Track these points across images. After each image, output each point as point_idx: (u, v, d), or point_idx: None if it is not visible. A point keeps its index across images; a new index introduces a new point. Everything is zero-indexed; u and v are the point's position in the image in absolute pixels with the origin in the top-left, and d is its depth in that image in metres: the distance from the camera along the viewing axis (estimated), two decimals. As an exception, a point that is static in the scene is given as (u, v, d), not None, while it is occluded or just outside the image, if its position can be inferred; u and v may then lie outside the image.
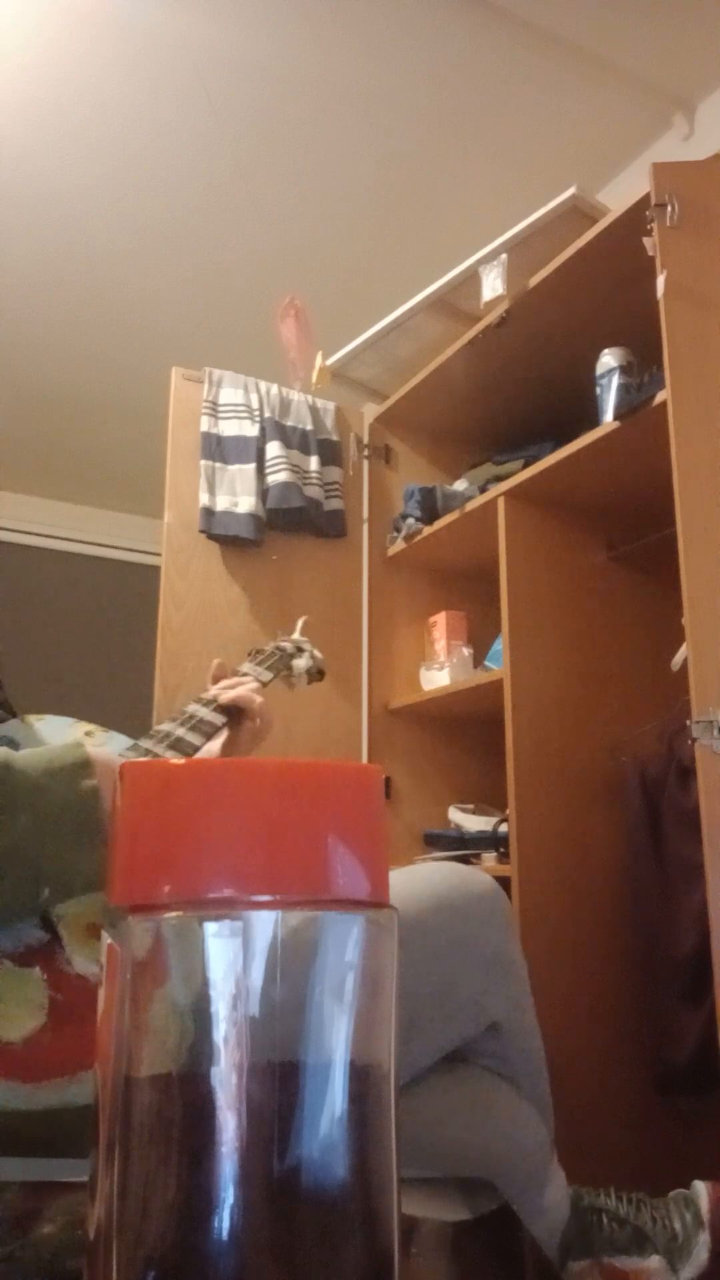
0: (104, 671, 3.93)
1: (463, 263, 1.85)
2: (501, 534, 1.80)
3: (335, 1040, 0.36)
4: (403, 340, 2.07)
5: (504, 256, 1.78)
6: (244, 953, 0.35)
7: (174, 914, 0.35)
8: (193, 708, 1.06)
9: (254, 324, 2.57)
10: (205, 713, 1.05)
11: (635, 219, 1.50)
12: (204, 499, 2.01)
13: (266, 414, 2.10)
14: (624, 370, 1.62)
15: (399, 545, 2.15)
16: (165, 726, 1.00)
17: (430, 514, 2.06)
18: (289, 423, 2.13)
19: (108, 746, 0.91)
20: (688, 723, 1.25)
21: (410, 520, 2.10)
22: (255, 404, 2.11)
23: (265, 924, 0.35)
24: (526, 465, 1.85)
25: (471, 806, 2.07)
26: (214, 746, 1.08)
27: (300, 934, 0.36)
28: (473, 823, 2.01)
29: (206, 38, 1.95)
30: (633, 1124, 1.59)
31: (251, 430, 2.08)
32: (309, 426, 2.15)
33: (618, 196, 1.72)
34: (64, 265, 2.62)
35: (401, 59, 2.01)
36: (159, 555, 2.03)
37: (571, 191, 1.68)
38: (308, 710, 2.06)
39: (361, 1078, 0.37)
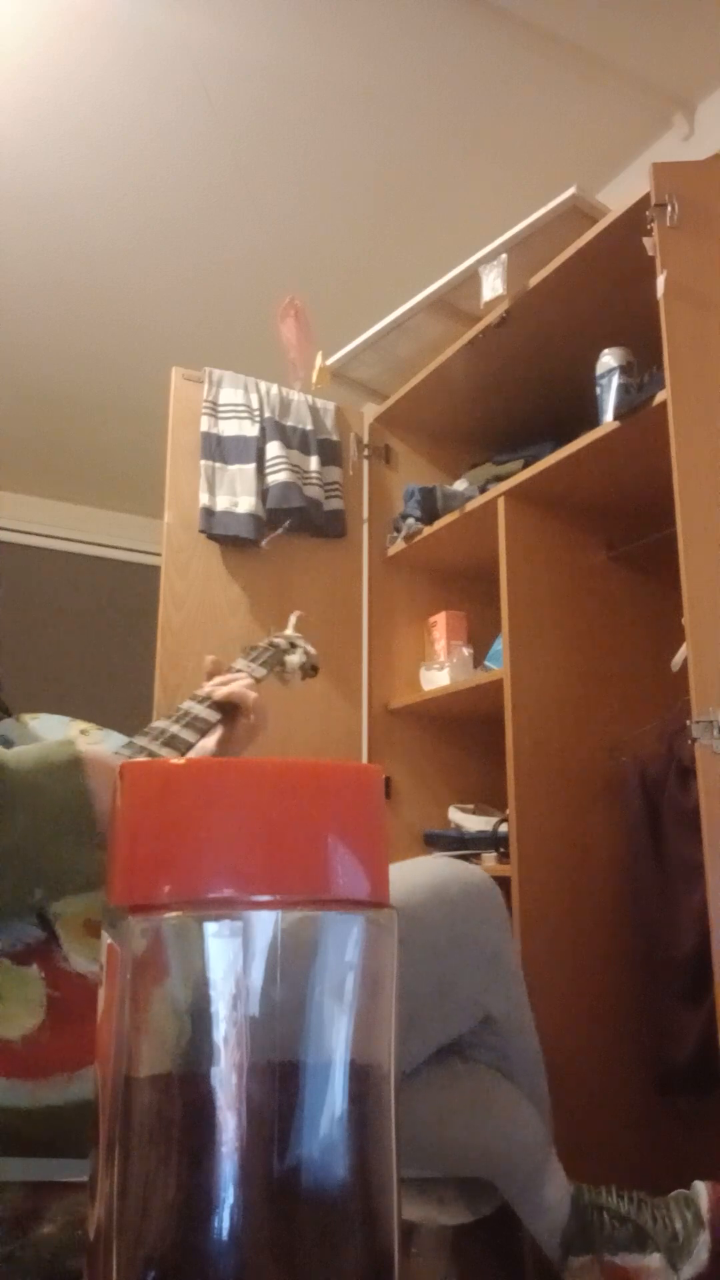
0: (104, 671, 3.93)
1: (463, 263, 1.85)
2: (501, 534, 1.80)
3: (335, 1040, 0.36)
4: (403, 340, 2.07)
5: (504, 256, 1.78)
6: (244, 953, 0.35)
7: (174, 914, 0.35)
8: (187, 705, 1.06)
9: (254, 324, 2.57)
10: (200, 709, 1.05)
11: (635, 219, 1.50)
12: (204, 499, 2.01)
13: (266, 414, 2.10)
14: (624, 370, 1.62)
15: (399, 545, 2.15)
16: (160, 724, 1.00)
17: (430, 514, 2.06)
18: (289, 423, 2.13)
19: (103, 745, 0.91)
20: (688, 723, 1.25)
21: (410, 520, 2.10)
22: (255, 404, 2.10)
23: (265, 924, 0.35)
24: (526, 465, 1.85)
25: (471, 806, 2.07)
26: (209, 743, 1.08)
27: (300, 934, 0.36)
28: (473, 823, 2.01)
29: (206, 38, 1.95)
30: (633, 1124, 1.59)
31: (251, 430, 2.08)
32: (309, 426, 2.15)
33: (618, 196, 1.72)
34: (64, 265, 2.62)
35: (401, 59, 2.01)
36: (159, 555, 2.03)
37: (571, 191, 1.68)
38: (308, 710, 2.06)
39: (361, 1078, 0.36)
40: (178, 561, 2.02)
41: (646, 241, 1.42)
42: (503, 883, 1.63)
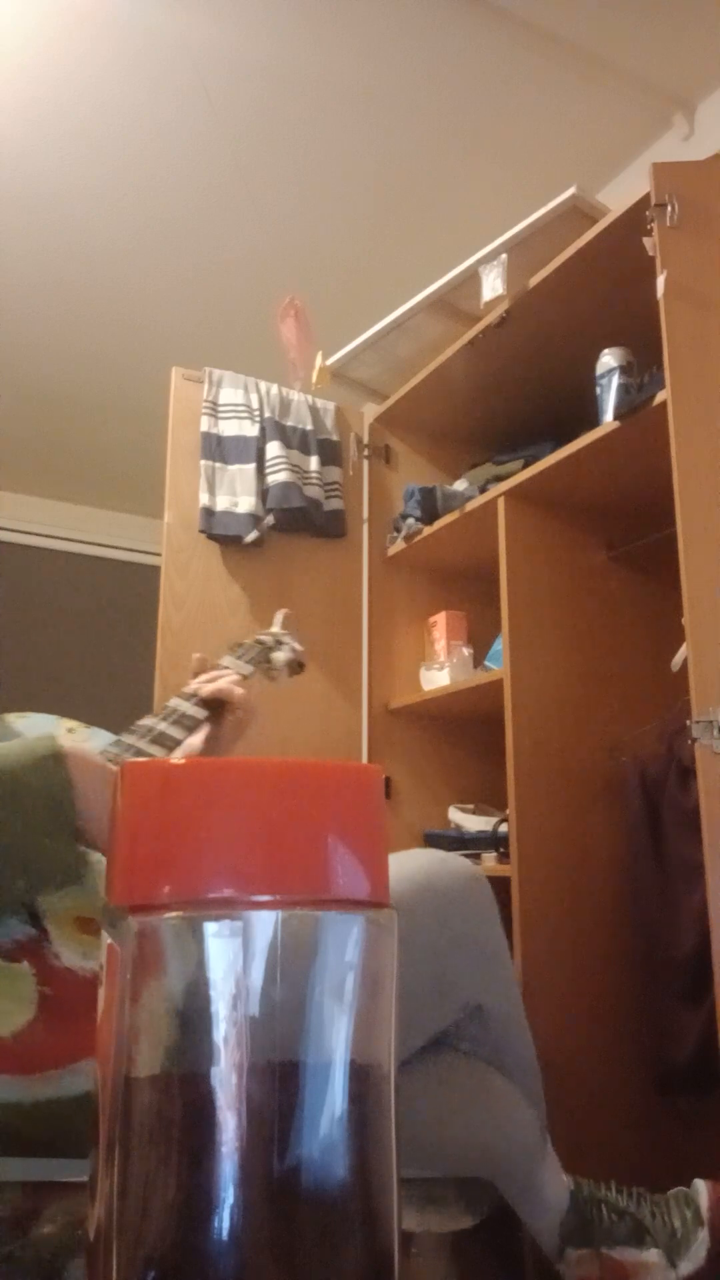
0: (104, 671, 3.93)
1: (463, 263, 1.85)
2: (501, 534, 1.80)
3: (335, 1040, 0.36)
4: (403, 340, 2.07)
5: (504, 256, 1.78)
6: (244, 953, 0.35)
7: (174, 914, 0.35)
8: (174, 702, 1.06)
9: (254, 324, 2.57)
10: (187, 707, 1.05)
11: (635, 219, 1.50)
12: (204, 499, 2.01)
13: (266, 414, 2.10)
14: (624, 370, 1.62)
15: (399, 545, 2.15)
16: (147, 721, 1.00)
17: (430, 514, 2.06)
18: (289, 423, 2.13)
19: (90, 742, 0.91)
20: (688, 723, 1.25)
21: (410, 520, 2.10)
22: (255, 404, 2.10)
23: (265, 924, 0.35)
24: (526, 465, 1.85)
25: (471, 806, 2.07)
26: (196, 740, 1.08)
27: (300, 934, 0.36)
28: (473, 823, 2.01)
29: (206, 38, 1.95)
30: (633, 1124, 1.59)
31: (251, 430, 2.08)
32: (309, 426, 2.15)
33: (618, 196, 1.72)
34: (64, 265, 2.62)
35: (401, 59, 2.01)
36: (159, 555, 2.03)
37: (571, 191, 1.68)
38: (308, 710, 2.06)
39: (361, 1078, 0.37)
40: (178, 561, 2.02)
41: (646, 241, 1.42)
42: (503, 883, 1.63)
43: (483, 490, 1.97)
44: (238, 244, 2.54)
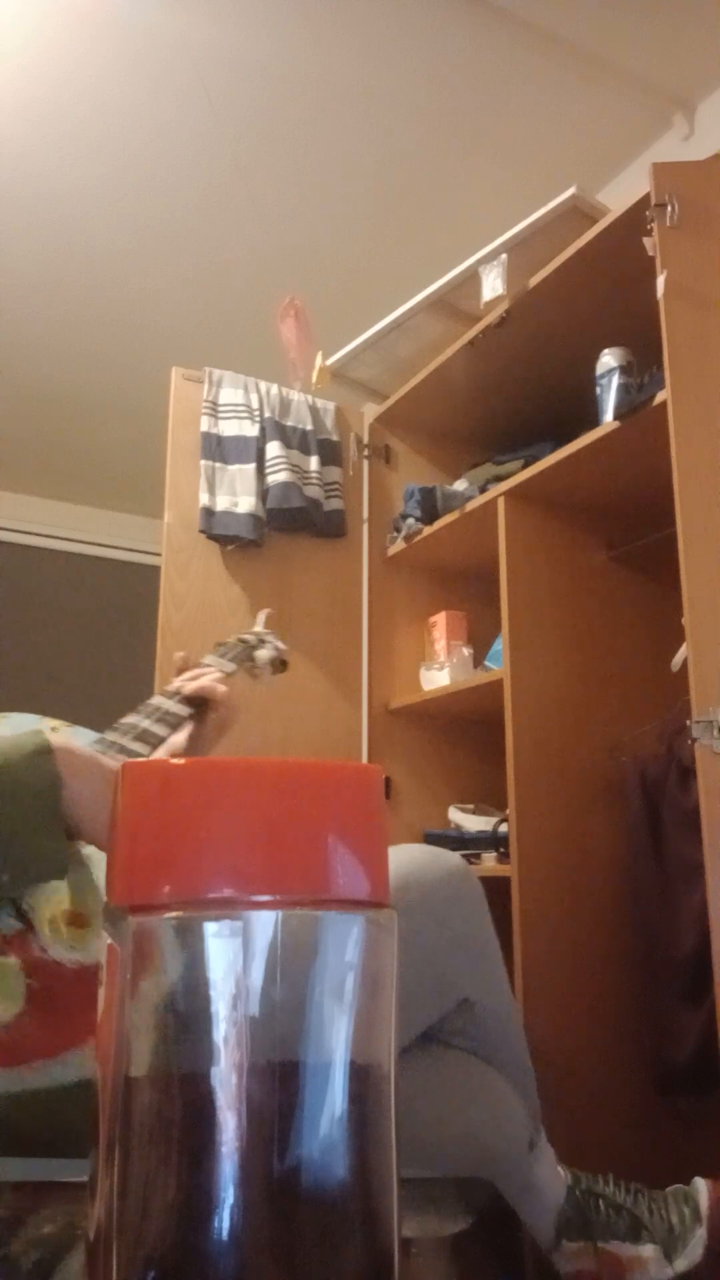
0: (104, 671, 3.93)
1: (463, 263, 1.85)
2: (501, 534, 1.80)
3: (335, 1040, 0.36)
4: (403, 340, 2.07)
5: (504, 256, 1.78)
6: (244, 953, 0.35)
7: (174, 914, 0.35)
8: (157, 700, 1.07)
9: (254, 324, 2.57)
10: (170, 705, 1.06)
11: (635, 219, 1.50)
12: (204, 499, 2.01)
13: (266, 414, 2.10)
14: (624, 370, 1.62)
15: (399, 545, 2.15)
16: (130, 719, 1.01)
17: (430, 514, 2.06)
18: (289, 423, 2.13)
19: (73, 741, 0.91)
20: (688, 723, 1.25)
21: (410, 520, 2.10)
22: (255, 404, 2.10)
23: (265, 924, 0.35)
24: (526, 465, 1.85)
25: (471, 806, 2.07)
26: (179, 738, 1.08)
27: (300, 934, 0.36)
28: (473, 823, 2.01)
29: (206, 38, 1.95)
30: (633, 1124, 1.59)
31: (251, 430, 2.08)
32: (309, 426, 2.14)
33: (618, 196, 1.72)
34: (64, 265, 2.62)
35: (401, 59, 2.01)
36: (159, 555, 2.03)
37: (571, 191, 1.68)
38: (308, 710, 2.06)
39: (361, 1078, 0.37)
40: (178, 561, 2.02)
41: (646, 241, 1.42)
42: (503, 883, 1.64)
43: (483, 490, 1.97)
44: (238, 244, 2.54)
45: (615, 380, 1.61)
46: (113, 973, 0.36)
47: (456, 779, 2.16)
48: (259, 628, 1.43)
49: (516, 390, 2.10)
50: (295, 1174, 0.34)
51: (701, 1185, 1.01)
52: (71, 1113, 0.67)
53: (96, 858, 0.80)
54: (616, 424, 1.57)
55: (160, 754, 1.02)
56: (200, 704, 1.09)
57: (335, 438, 2.20)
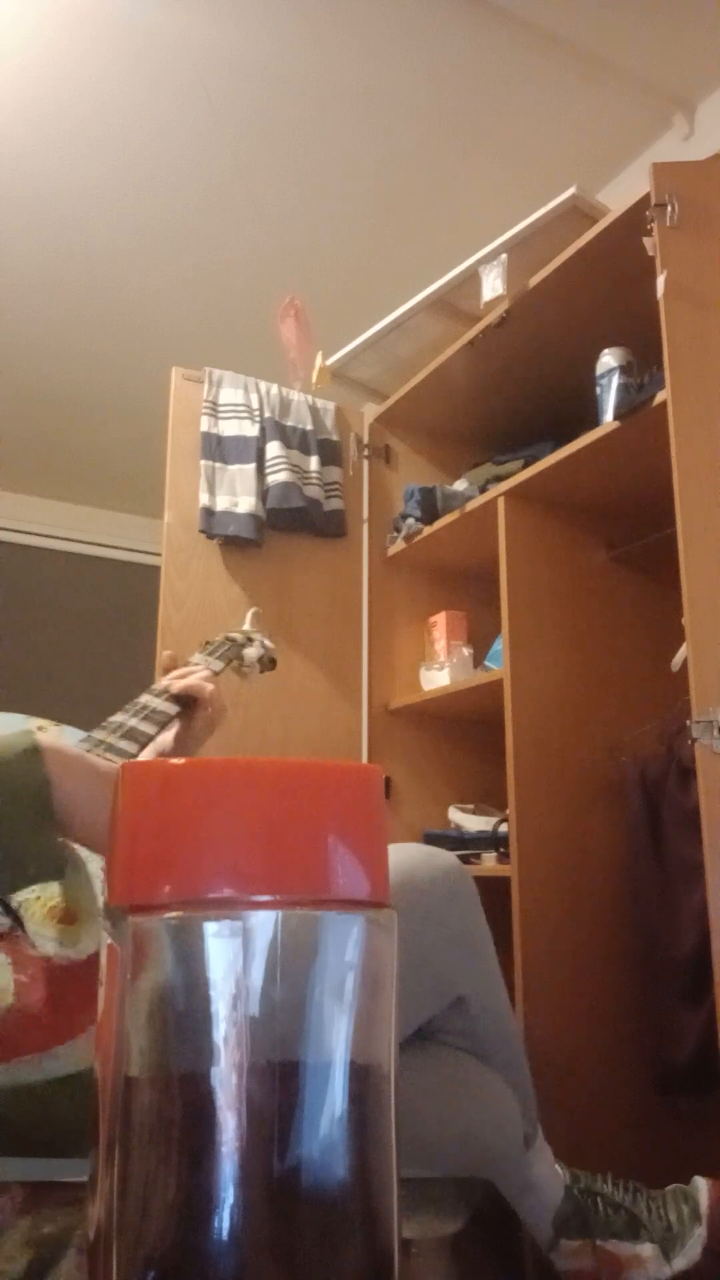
0: (104, 671, 3.93)
1: (463, 263, 1.85)
2: (501, 534, 1.80)
3: (335, 1040, 0.36)
4: (403, 340, 2.07)
5: (504, 256, 1.78)
6: (244, 953, 0.35)
7: (174, 914, 0.35)
8: (144, 698, 1.06)
9: (254, 324, 2.57)
10: (158, 703, 1.05)
11: (635, 219, 1.50)
12: (204, 499, 2.01)
13: (266, 414, 2.10)
14: (624, 370, 1.62)
15: (399, 545, 2.15)
16: (118, 718, 1.00)
17: (430, 514, 2.06)
18: (289, 423, 2.13)
19: (60, 740, 0.91)
20: (688, 723, 1.25)
21: (410, 520, 2.10)
22: (255, 404, 2.10)
23: (265, 924, 0.35)
24: (526, 465, 1.85)
25: (471, 806, 2.07)
26: (167, 736, 1.08)
27: (300, 934, 0.36)
28: (473, 823, 2.01)
29: (206, 38, 1.95)
30: (633, 1124, 1.59)
31: (251, 430, 2.08)
32: (309, 426, 2.14)
33: (618, 196, 1.72)
34: (64, 265, 2.62)
35: (401, 59, 2.01)
36: (159, 555, 2.03)
37: (571, 191, 1.68)
38: (308, 710, 2.07)
39: (361, 1078, 0.37)
40: (178, 561, 2.02)
41: (646, 241, 1.42)
42: (503, 883, 1.64)
43: (483, 490, 1.97)
44: (238, 244, 2.54)
45: (615, 380, 1.61)
46: (113, 973, 0.36)
47: (456, 779, 2.16)
48: (247, 626, 1.43)
49: (516, 390, 2.10)
50: (295, 1174, 0.34)
51: (701, 1184, 1.01)
52: (64, 1106, 0.68)
53: (85, 855, 0.80)
54: (616, 424, 1.57)
55: (148, 752, 1.02)
56: (188, 702, 1.09)
57: (335, 438, 2.20)
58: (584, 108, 2.13)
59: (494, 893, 1.43)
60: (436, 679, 2.07)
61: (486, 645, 2.09)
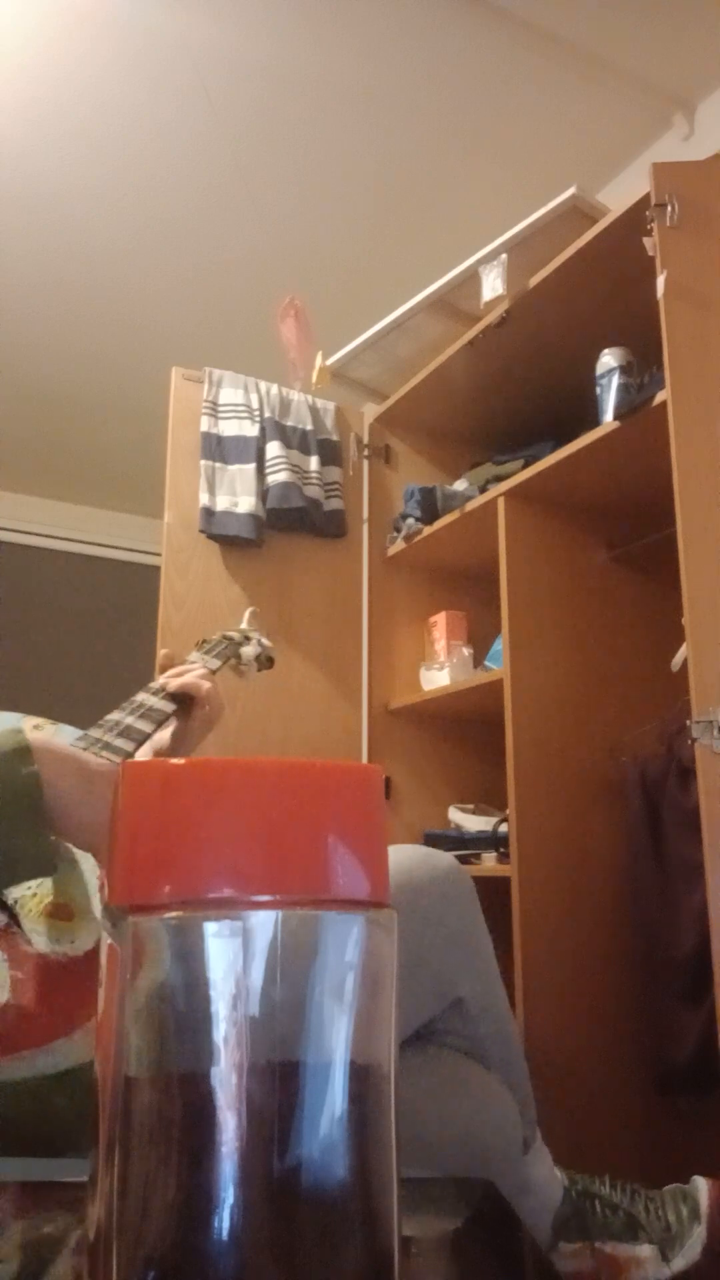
0: (104, 671, 3.93)
1: (463, 263, 1.85)
2: (501, 534, 1.80)
3: (335, 1040, 0.36)
4: (403, 340, 2.07)
5: (504, 256, 1.78)
6: (244, 953, 0.35)
7: (174, 914, 0.35)
8: (141, 696, 1.06)
9: (254, 324, 2.57)
10: (154, 701, 1.05)
11: (635, 219, 1.50)
12: (204, 499, 2.01)
13: (266, 414, 2.10)
14: (624, 370, 1.62)
15: (399, 545, 2.15)
16: (114, 716, 1.00)
17: (430, 514, 2.06)
18: (289, 423, 2.13)
19: (57, 738, 0.91)
20: (688, 723, 1.25)
21: (410, 520, 2.10)
22: (255, 404, 2.11)
23: (265, 924, 0.35)
24: (526, 465, 1.85)
25: (471, 806, 2.07)
26: (164, 735, 1.08)
27: (300, 934, 0.36)
28: (473, 823, 2.01)
29: (206, 38, 1.95)
30: (633, 1124, 1.59)
31: (251, 430, 2.08)
32: (309, 426, 2.15)
33: (618, 196, 1.72)
34: (64, 265, 2.62)
35: (401, 59, 2.01)
36: (159, 555, 2.03)
37: (571, 191, 1.68)
38: (308, 710, 2.06)
39: (361, 1078, 0.37)
40: (178, 561, 2.02)
41: (646, 241, 1.42)
42: (503, 883, 1.64)
43: (483, 490, 1.97)
44: (238, 244, 2.54)
45: (615, 380, 1.61)
46: (113, 973, 0.36)
47: (456, 779, 2.16)
48: (243, 625, 1.43)
49: (516, 390, 2.10)
50: (295, 1174, 0.34)
51: (701, 1184, 1.01)
52: (60, 1102, 0.68)
53: (80, 853, 0.80)
54: (616, 424, 1.57)
55: (145, 750, 1.02)
56: (185, 700, 1.09)
57: (335, 438, 2.20)
58: (584, 108, 2.13)
59: (494, 893, 1.43)
60: (436, 679, 2.07)
61: (486, 645, 2.09)
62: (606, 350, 1.65)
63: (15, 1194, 0.52)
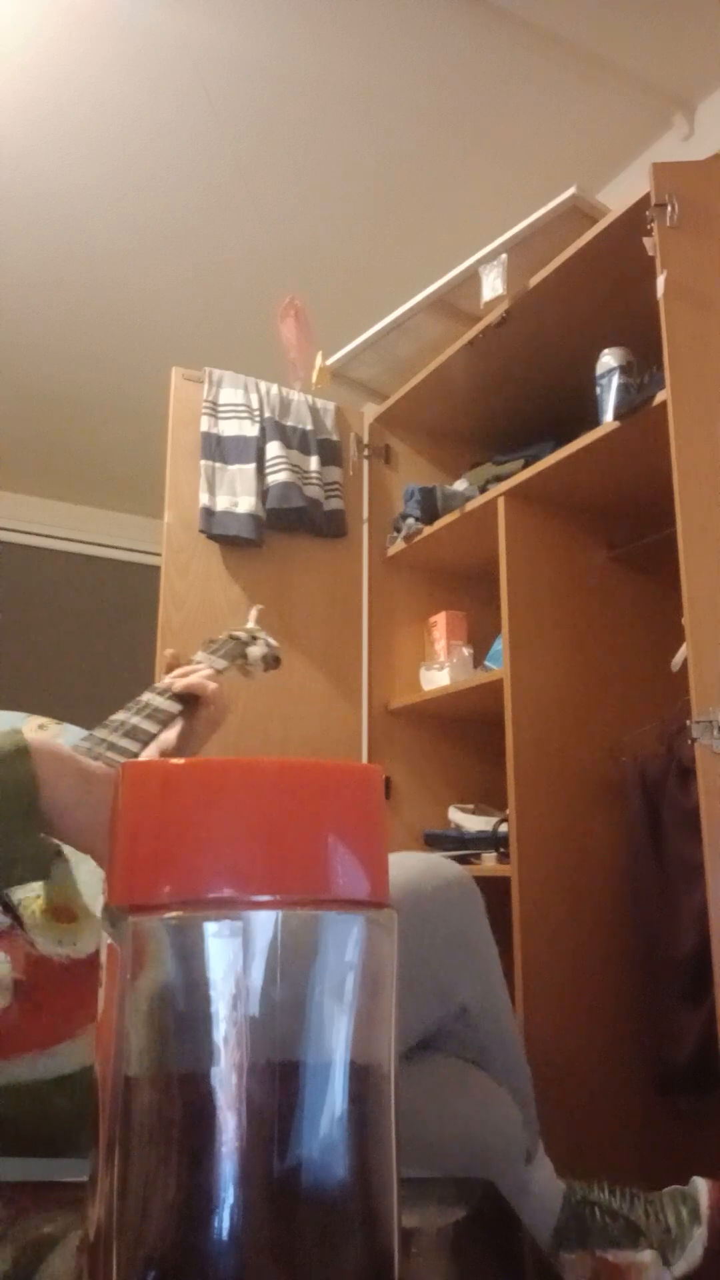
0: (104, 671, 3.93)
1: (463, 263, 1.85)
2: (501, 534, 1.80)
3: (335, 1040, 0.36)
4: (403, 340, 2.07)
5: (504, 256, 1.78)
6: (244, 953, 0.35)
7: (174, 914, 0.35)
8: (147, 696, 1.06)
9: (254, 324, 2.57)
10: (160, 701, 1.05)
11: (635, 219, 1.50)
12: (204, 499, 2.01)
13: (266, 414, 2.10)
14: (624, 370, 1.62)
15: (399, 545, 2.15)
16: (120, 716, 1.00)
17: (430, 514, 2.06)
18: (289, 423, 2.13)
19: (61, 739, 0.90)
20: (688, 723, 1.25)
21: (410, 520, 2.10)
22: (255, 404, 2.11)
23: (265, 924, 0.35)
24: (526, 465, 1.85)
25: (471, 806, 2.07)
26: (170, 735, 1.07)
27: (300, 934, 0.36)
28: (473, 823, 2.01)
29: (206, 38, 1.95)
30: (633, 1124, 1.59)
31: (251, 430, 2.08)
32: (309, 426, 2.15)
33: (618, 196, 1.72)
34: (64, 265, 2.62)
35: (401, 59, 2.01)
36: (159, 555, 2.03)
37: (571, 191, 1.68)
38: (308, 710, 2.06)
39: (361, 1078, 0.37)
40: (178, 561, 2.02)
41: (646, 241, 1.42)
42: (503, 883, 1.64)
43: (483, 490, 1.97)
44: (238, 244, 2.54)
45: (615, 380, 1.61)
46: (113, 973, 0.36)
47: (456, 779, 2.16)
48: (251, 624, 1.42)
49: (516, 390, 2.10)
50: (295, 1174, 0.34)
51: (701, 1185, 1.01)
52: (61, 1105, 0.68)
53: (80, 855, 0.80)
54: (616, 424, 1.57)
55: (150, 751, 1.01)
56: (191, 700, 1.09)
57: (335, 438, 2.20)
58: (584, 108, 2.13)
59: (494, 893, 1.43)
60: (436, 679, 2.07)
61: (486, 645, 2.09)
62: (606, 350, 1.65)
63: (10, 1194, 0.52)
